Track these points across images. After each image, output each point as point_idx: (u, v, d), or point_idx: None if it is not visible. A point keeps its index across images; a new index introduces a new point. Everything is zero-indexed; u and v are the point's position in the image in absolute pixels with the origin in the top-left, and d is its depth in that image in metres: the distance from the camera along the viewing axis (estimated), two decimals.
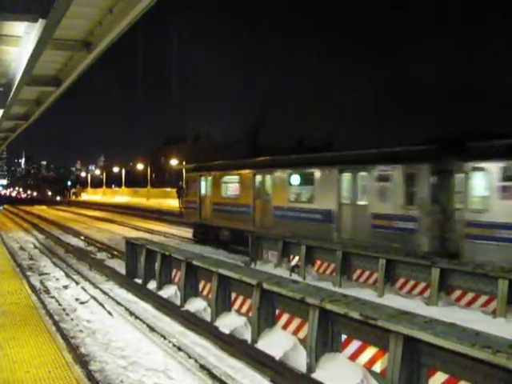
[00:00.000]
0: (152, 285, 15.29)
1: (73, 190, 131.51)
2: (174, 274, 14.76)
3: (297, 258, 17.67)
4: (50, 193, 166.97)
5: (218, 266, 12.04)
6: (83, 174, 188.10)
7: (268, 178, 23.18)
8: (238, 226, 24.40)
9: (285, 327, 9.99)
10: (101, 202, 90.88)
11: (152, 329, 11.71)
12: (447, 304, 12.73)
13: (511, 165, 13.85)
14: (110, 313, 13.12)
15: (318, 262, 17.22)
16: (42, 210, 71.59)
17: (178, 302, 13.47)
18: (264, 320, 10.23)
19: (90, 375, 8.72)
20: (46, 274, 18.80)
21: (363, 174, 18.34)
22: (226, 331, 10.75)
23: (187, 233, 31.35)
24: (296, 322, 9.71)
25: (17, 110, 24.83)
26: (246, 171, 24.76)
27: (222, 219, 25.95)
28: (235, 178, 25.80)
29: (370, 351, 8.07)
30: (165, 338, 11.01)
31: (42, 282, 17.05)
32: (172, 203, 50.71)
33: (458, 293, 12.99)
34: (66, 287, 16.33)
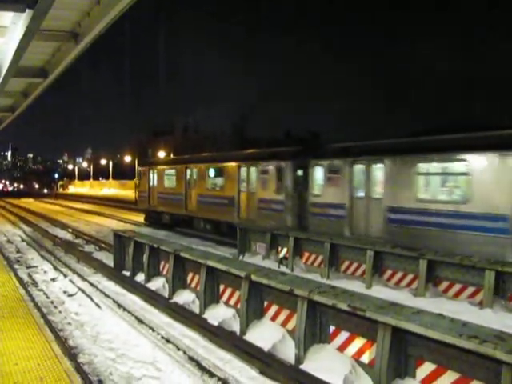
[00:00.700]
0: (140, 277, 15.27)
1: (60, 183, 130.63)
2: (162, 266, 14.74)
3: (285, 249, 17.69)
4: (37, 185, 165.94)
5: (206, 257, 12.04)
6: (70, 167, 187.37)
7: (194, 171, 28.51)
8: (175, 211, 30.25)
9: (273, 319, 10.02)
10: (88, 194, 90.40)
11: (140, 321, 11.72)
12: (435, 295, 12.81)
13: (333, 162, 19.11)
14: (98, 305, 13.09)
15: (306, 254, 17.27)
16: (28, 202, 71.10)
17: (166, 294, 13.47)
18: (252, 312, 10.26)
19: (78, 367, 8.70)
20: (34, 266, 18.70)
21: (253, 168, 23.43)
22: (215, 323, 10.76)
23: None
24: (284, 313, 9.74)
25: (3, 102, 24.67)
26: (180, 166, 30.10)
27: (164, 206, 31.60)
28: (173, 171, 31.24)
29: (358, 342, 8.12)
30: (153, 330, 11.02)
31: (29, 275, 16.97)
32: None
33: (445, 284, 13.09)
34: (53, 280, 16.26)
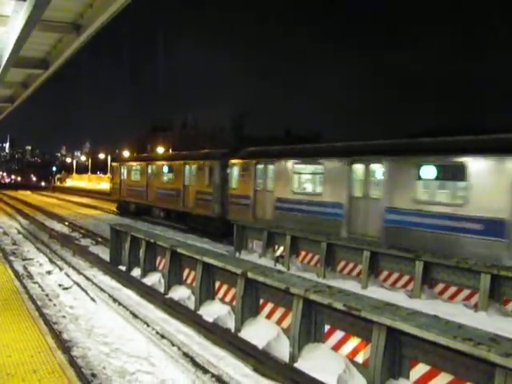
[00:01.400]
0: (136, 272, 15.24)
1: (57, 176, 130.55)
2: (158, 261, 14.73)
3: (281, 248, 17.72)
4: (34, 178, 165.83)
5: (202, 254, 12.03)
6: (68, 160, 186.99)
7: (153, 168, 33.98)
8: (139, 201, 35.97)
9: (268, 317, 10.02)
10: (86, 188, 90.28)
11: (135, 316, 11.70)
12: (430, 297, 12.83)
13: (244, 163, 23.70)
14: (93, 299, 13.08)
15: (303, 253, 17.28)
16: (26, 195, 71.04)
17: (161, 289, 13.45)
18: (248, 309, 10.25)
19: (72, 361, 8.69)
20: (30, 259, 18.68)
21: (194, 166, 28.47)
22: (210, 320, 10.76)
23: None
24: (280, 311, 9.74)
25: (3, 93, 24.60)
26: (143, 163, 35.87)
27: (131, 197, 37.38)
28: (138, 168, 36.76)
29: (353, 342, 8.12)
30: (148, 325, 11.01)
31: (25, 268, 16.94)
32: None
33: (441, 286, 13.11)
34: (49, 273, 16.24)
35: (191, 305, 12.02)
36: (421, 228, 15.09)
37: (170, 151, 70.03)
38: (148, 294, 13.34)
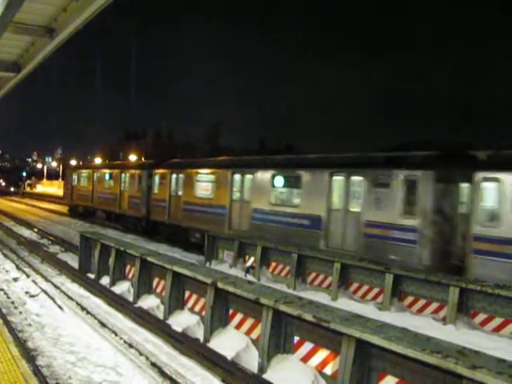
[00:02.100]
0: (105, 280, 15.07)
1: (28, 182, 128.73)
2: (127, 269, 14.58)
3: (252, 258, 17.67)
4: (3, 183, 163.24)
5: (172, 263, 11.94)
6: (39, 166, 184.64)
7: (97, 175, 38.53)
8: (86, 204, 40.07)
9: (238, 327, 9.97)
10: (56, 194, 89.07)
11: (103, 324, 11.54)
12: (399, 310, 12.90)
13: (162, 172, 28.62)
14: (60, 307, 12.86)
15: (273, 264, 17.26)
16: None
17: (130, 298, 13.31)
18: (217, 319, 10.19)
19: (36, 370, 8.51)
20: None
21: (127, 174, 33.18)
22: (179, 329, 10.66)
23: None
24: (249, 322, 9.69)
25: None
26: (91, 170, 40.93)
27: (80, 200, 41.60)
28: (86, 174, 41.53)
29: (322, 353, 8.11)
30: (116, 335, 10.87)
31: None
32: None
33: (410, 299, 13.20)
34: (15, 280, 15.94)
35: (160, 314, 11.91)
36: (275, 224, 20.07)
37: (143, 159, 69.66)
38: (117, 302, 13.18)
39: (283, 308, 8.44)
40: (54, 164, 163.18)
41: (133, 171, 32.66)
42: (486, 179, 13.87)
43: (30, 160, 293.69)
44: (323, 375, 8.01)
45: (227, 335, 9.96)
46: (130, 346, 10.21)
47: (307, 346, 8.41)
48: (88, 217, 38.97)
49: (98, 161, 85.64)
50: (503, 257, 13.15)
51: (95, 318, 12.01)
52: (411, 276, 13.12)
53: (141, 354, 9.73)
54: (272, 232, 19.87)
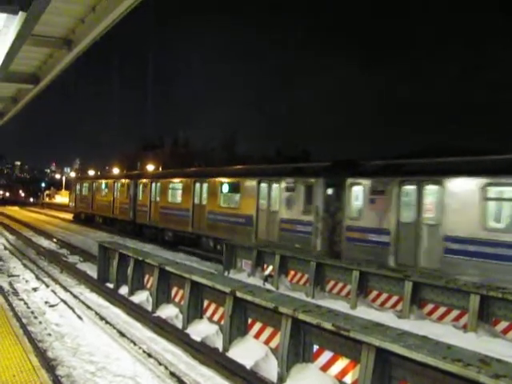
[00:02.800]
0: (124, 290, 15.11)
1: (47, 192, 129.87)
2: (146, 279, 14.60)
3: (271, 267, 17.63)
4: (23, 194, 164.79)
5: (191, 272, 11.94)
6: (58, 176, 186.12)
7: (96, 185, 44.64)
8: (86, 211, 46.37)
9: (257, 336, 9.92)
10: None
11: (122, 334, 11.57)
12: (419, 317, 12.77)
13: (144, 182, 34.10)
14: (79, 317, 12.92)
15: (292, 272, 17.20)
16: (14, 210, 70.50)
17: (149, 307, 13.32)
18: (236, 328, 10.16)
19: (56, 380, 8.55)
20: (16, 275, 18.48)
21: (119, 183, 38.70)
22: (198, 339, 10.64)
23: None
24: (268, 331, 9.65)
25: None
26: (91, 181, 47.07)
27: (82, 208, 47.85)
28: (86, 184, 47.30)
29: (342, 362, 8.04)
30: (135, 344, 10.88)
31: (10, 284, 16.75)
32: None
33: (430, 307, 13.06)
34: (35, 289, 16.06)
35: (179, 323, 11.90)
36: (222, 223, 24.73)
37: (160, 169, 69.97)
38: (135, 312, 13.21)
39: (302, 317, 8.40)
40: (73, 174, 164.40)
41: (123, 181, 37.95)
42: (353, 184, 18.19)
43: (48, 171, 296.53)
44: None
45: (246, 344, 9.92)
46: (149, 355, 10.22)
47: (327, 355, 8.34)
48: (88, 222, 44.75)
49: (115, 171, 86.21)
50: (363, 242, 17.59)
51: (114, 328, 12.04)
52: (431, 283, 13.00)
53: (160, 364, 9.74)
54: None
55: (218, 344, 10.38)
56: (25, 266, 20.77)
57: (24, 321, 12.25)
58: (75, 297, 15.14)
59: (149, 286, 14.29)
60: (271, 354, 9.34)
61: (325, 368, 8.29)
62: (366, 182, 17.73)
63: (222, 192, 25.48)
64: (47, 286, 16.63)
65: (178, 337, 11.12)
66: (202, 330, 11.08)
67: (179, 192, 29.30)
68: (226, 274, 18.86)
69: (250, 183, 23.21)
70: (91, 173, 79.70)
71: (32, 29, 9.96)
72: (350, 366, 7.88)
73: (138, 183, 34.88)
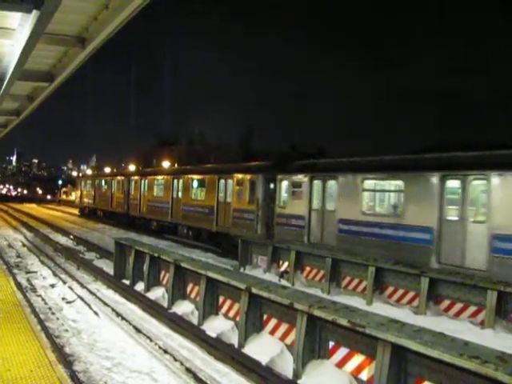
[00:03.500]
0: (140, 286, 15.17)
1: (63, 189, 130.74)
2: (162, 275, 14.65)
3: (286, 263, 17.62)
4: (40, 191, 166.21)
5: (206, 268, 11.96)
6: (74, 174, 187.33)
7: (97, 182, 49.66)
8: (90, 205, 51.57)
9: (272, 332, 9.91)
10: None
11: (138, 330, 11.61)
12: (435, 314, 12.70)
13: (136, 178, 39.04)
14: (96, 313, 13.00)
15: (308, 269, 17.18)
16: (31, 208, 71.16)
17: (165, 304, 13.36)
18: (251, 324, 10.16)
19: (73, 375, 8.59)
20: (33, 272, 18.64)
21: (115, 180, 44.04)
22: (213, 335, 10.65)
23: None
24: (284, 327, 9.63)
25: (8, 106, 24.60)
26: (93, 178, 52.67)
27: (86, 202, 53.25)
28: (89, 181, 52.93)
29: (358, 359, 8.00)
30: (151, 340, 10.91)
31: (28, 280, 16.90)
32: None
33: (446, 303, 12.98)
34: (52, 286, 16.18)
35: (194, 320, 11.93)
36: (193, 213, 29.15)
37: (176, 166, 70.20)
38: (151, 308, 13.26)
39: (318, 313, 8.37)
40: (89, 172, 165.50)
41: (119, 178, 43.42)
42: (282, 179, 22.30)
43: (65, 168, 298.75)
44: (359, 381, 7.90)
45: (262, 340, 9.91)
46: (165, 351, 10.24)
47: (342, 351, 8.30)
48: (91, 215, 50.27)
49: (131, 168, 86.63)
50: (288, 225, 21.60)
51: (130, 324, 12.09)
52: (447, 279, 12.92)
53: (176, 360, 9.76)
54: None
55: (234, 340, 10.38)
56: (42, 262, 20.94)
57: (41, 317, 12.33)
58: (92, 293, 15.23)
59: (164, 282, 14.34)
60: (286, 351, 9.32)
61: (340, 364, 8.26)
62: (290, 177, 21.94)
63: (192, 187, 30.11)
64: (64, 282, 16.75)
65: (193, 333, 11.14)
66: (218, 326, 11.10)
67: (162, 188, 34.15)
68: (241, 270, 18.88)
69: (212, 179, 27.56)
70: (107, 170, 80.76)
71: (46, 27, 9.98)
72: (365, 363, 7.84)
73: (130, 180, 39.87)
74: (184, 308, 12.66)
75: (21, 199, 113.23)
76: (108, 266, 19.00)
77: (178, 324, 11.79)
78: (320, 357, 8.67)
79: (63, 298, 14.50)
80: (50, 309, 13.39)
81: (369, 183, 18.36)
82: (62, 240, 29.65)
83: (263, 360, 9.12)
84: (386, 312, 10.92)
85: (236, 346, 10.18)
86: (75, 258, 21.84)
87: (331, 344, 8.54)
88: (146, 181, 36.85)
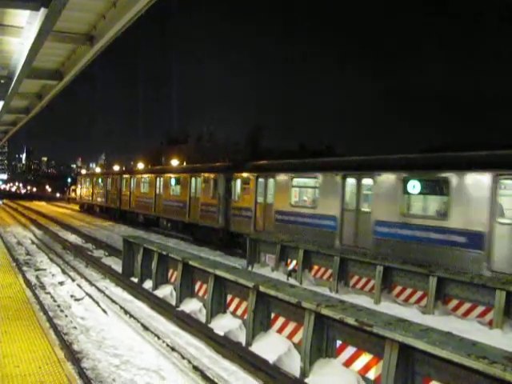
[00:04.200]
0: (148, 284, 15.21)
1: (72, 187, 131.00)
2: (170, 273, 14.68)
3: (294, 262, 17.60)
4: (49, 189, 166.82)
5: (214, 267, 11.97)
6: (84, 172, 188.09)
7: (95, 180, 54.28)
8: (88, 201, 55.99)
9: (280, 331, 9.91)
10: None
11: (146, 328, 11.65)
12: (443, 313, 12.66)
13: (135, 178, 41.13)
14: (104, 311, 13.05)
15: (316, 267, 17.16)
16: (41, 205, 71.54)
17: (173, 302, 13.39)
18: (259, 323, 10.16)
19: (81, 372, 8.64)
20: (42, 269, 18.73)
21: (109, 179, 48.17)
22: (221, 333, 10.67)
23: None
24: (291, 326, 9.63)
25: (18, 104, 24.70)
26: (91, 176, 57.97)
27: (85, 199, 58.07)
28: (87, 179, 57.88)
29: (365, 358, 8.00)
30: (159, 338, 10.95)
31: (37, 278, 16.98)
32: None
33: (454, 302, 12.93)
34: (61, 283, 16.25)
35: (202, 318, 11.95)
36: (171, 207, 33.22)
37: (184, 164, 70.35)
38: (159, 306, 13.29)
39: (325, 312, 8.37)
40: (98, 170, 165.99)
41: (113, 177, 47.62)
42: (236, 177, 25.76)
43: (74, 166, 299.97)
44: (366, 380, 7.89)
45: (269, 339, 9.92)
46: (173, 349, 10.27)
47: (350, 350, 8.30)
48: (88, 210, 54.84)
49: (140, 166, 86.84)
50: (240, 216, 25.04)
51: (138, 322, 12.13)
52: (455, 279, 12.87)
53: (183, 358, 9.78)
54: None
55: (241, 338, 10.40)
56: (51, 260, 21.04)
57: (50, 314, 12.40)
58: (100, 291, 15.28)
59: (173, 280, 14.37)
60: (294, 349, 9.32)
61: (348, 363, 8.26)
62: (241, 176, 25.54)
63: (171, 185, 33.97)
64: (73, 279, 16.82)
65: (201, 331, 11.16)
66: (225, 324, 11.12)
67: (147, 185, 38.12)
68: (249, 268, 18.89)
69: (186, 178, 31.58)
70: (116, 168, 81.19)
71: (54, 25, 9.99)
72: (373, 362, 7.83)
73: (122, 178, 44.17)
74: (192, 306, 12.68)
75: (30, 197, 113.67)
76: (116, 264, 19.06)
77: (186, 322, 11.81)
78: (327, 355, 8.66)
79: (72, 296, 14.56)
80: (58, 306, 13.45)
81: (296, 181, 22.29)
82: (71, 238, 29.76)
83: (271, 358, 9.12)
84: (393, 311, 10.91)
85: (243, 344, 10.19)
86: (84, 256, 21.91)
87: (339, 343, 8.53)
88: (135, 179, 40.84)
